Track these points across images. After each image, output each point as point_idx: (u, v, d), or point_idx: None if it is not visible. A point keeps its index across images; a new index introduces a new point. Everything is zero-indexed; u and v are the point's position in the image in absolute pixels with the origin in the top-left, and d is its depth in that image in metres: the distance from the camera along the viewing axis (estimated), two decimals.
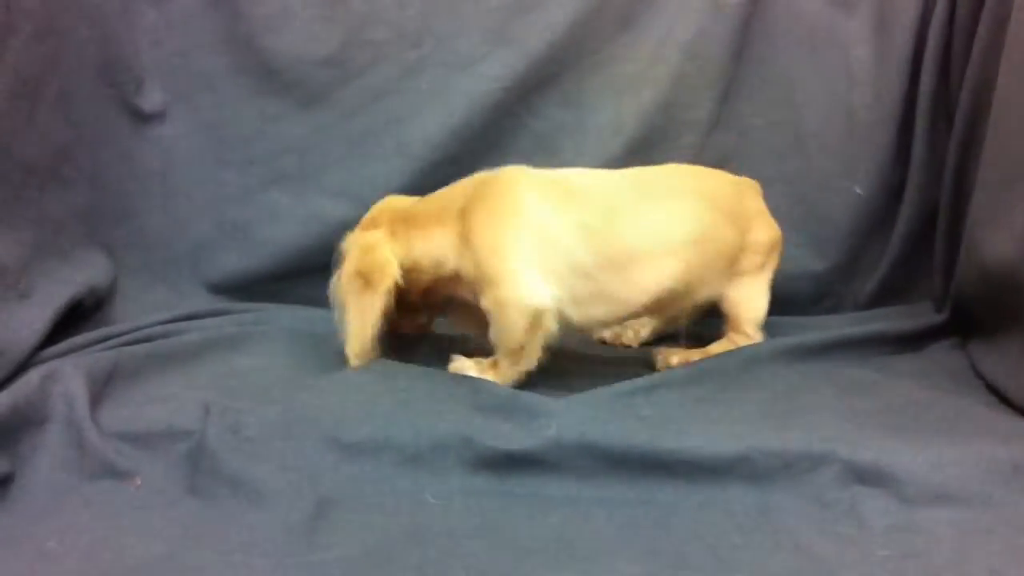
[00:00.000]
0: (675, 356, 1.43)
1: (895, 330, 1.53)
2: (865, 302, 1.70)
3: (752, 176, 1.63)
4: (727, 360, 1.37)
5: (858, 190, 1.68)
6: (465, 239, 1.29)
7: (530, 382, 1.30)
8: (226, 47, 1.61)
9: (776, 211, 1.64)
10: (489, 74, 1.64)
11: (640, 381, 1.29)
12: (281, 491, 1.00)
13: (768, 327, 1.52)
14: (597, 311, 1.33)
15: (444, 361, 1.35)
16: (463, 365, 1.34)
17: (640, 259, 1.31)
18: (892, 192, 1.69)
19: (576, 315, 1.31)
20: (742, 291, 1.43)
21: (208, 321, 1.48)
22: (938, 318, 1.56)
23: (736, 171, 1.62)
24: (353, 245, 1.33)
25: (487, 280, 1.28)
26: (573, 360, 1.46)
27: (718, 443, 1.07)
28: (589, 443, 1.07)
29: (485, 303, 1.29)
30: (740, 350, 1.40)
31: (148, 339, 1.36)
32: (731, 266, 1.40)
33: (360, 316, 1.29)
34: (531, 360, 1.30)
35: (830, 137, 1.69)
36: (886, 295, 1.70)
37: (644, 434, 1.08)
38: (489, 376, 1.31)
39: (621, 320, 1.42)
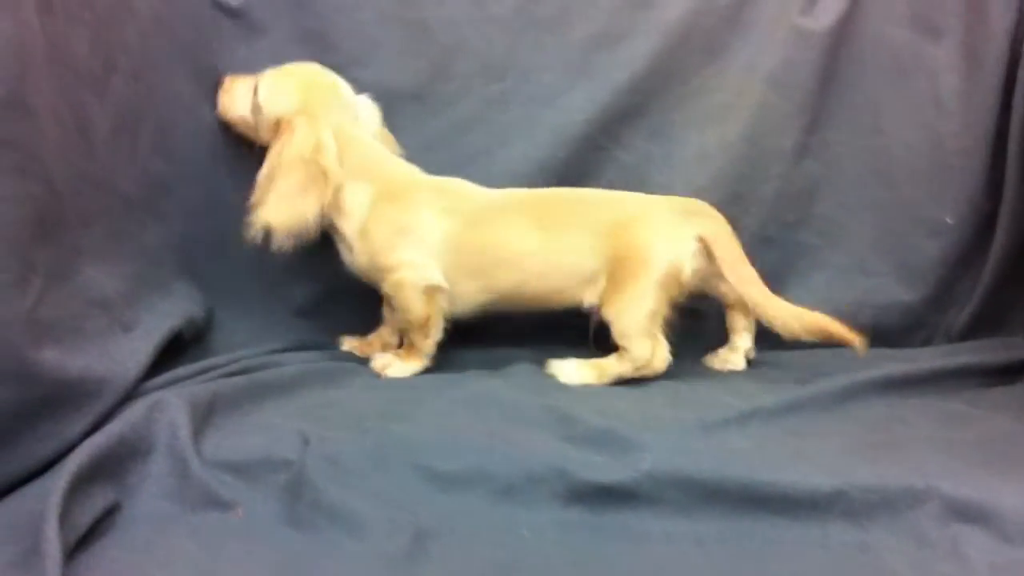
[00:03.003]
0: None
1: (988, 362, 1.51)
2: (958, 334, 1.68)
3: (839, 205, 1.64)
4: (819, 392, 1.36)
5: (949, 219, 1.66)
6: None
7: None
8: None
9: (864, 241, 1.64)
10: (574, 107, 1.66)
11: (731, 412, 1.28)
12: (379, 522, 1.00)
13: (859, 359, 1.51)
14: (451, 307, 1.50)
15: None
16: (385, 361, 1.51)
17: (476, 273, 1.48)
18: (984, 221, 1.67)
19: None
20: (612, 308, 1.45)
21: (303, 354, 1.53)
22: None
23: (825, 201, 1.64)
24: (309, 132, 1.44)
25: (385, 268, 1.47)
26: None
27: (815, 477, 1.05)
28: (684, 476, 1.06)
29: (385, 288, 1.49)
30: (833, 381, 1.39)
31: (246, 371, 1.39)
32: (588, 279, 1.47)
33: (301, 201, 1.41)
34: (438, 331, 1.50)
35: (919, 166, 1.67)
36: (979, 327, 1.68)
37: (740, 467, 1.07)
38: (413, 361, 1.51)
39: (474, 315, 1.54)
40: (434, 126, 1.67)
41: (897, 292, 1.68)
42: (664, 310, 1.46)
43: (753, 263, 1.62)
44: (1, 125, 0.99)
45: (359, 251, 1.49)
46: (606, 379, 1.46)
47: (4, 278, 1.00)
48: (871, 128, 1.68)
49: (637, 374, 1.46)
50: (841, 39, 1.65)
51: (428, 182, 1.52)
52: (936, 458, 1.14)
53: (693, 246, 1.45)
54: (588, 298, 1.48)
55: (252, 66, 1.61)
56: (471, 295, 1.50)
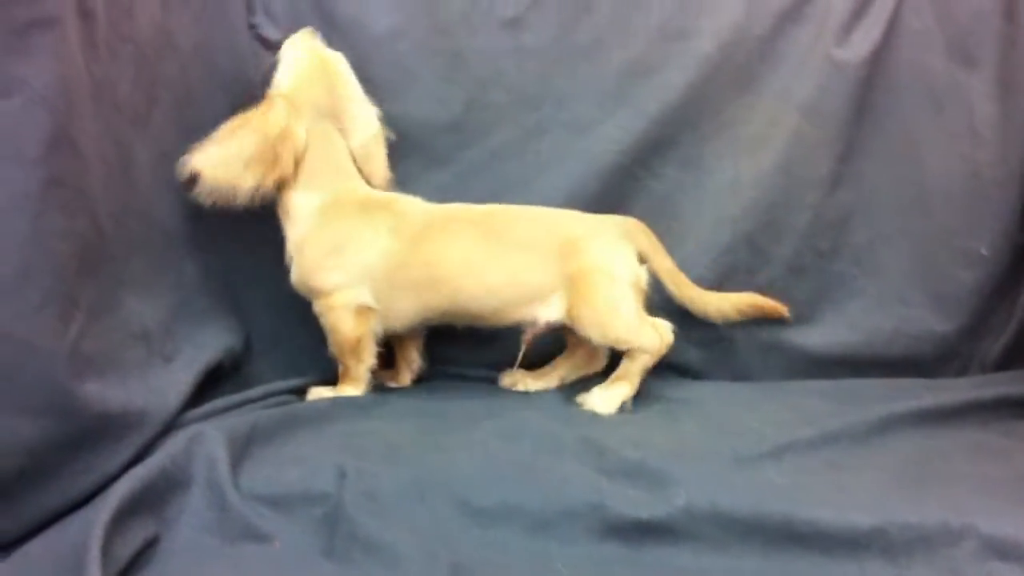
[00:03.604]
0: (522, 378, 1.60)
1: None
2: (992, 364, 1.66)
3: (874, 235, 1.64)
4: (855, 423, 1.35)
5: (983, 250, 1.65)
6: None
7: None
8: None
9: (899, 270, 1.63)
10: (608, 136, 1.66)
11: (766, 443, 1.27)
12: (416, 556, 1.00)
13: (894, 390, 1.51)
14: (384, 321, 1.50)
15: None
16: (319, 392, 1.51)
17: (407, 288, 1.48)
18: (1018, 252, 1.66)
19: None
20: (593, 325, 1.46)
21: None
22: None
23: (859, 230, 1.65)
24: (282, 117, 1.45)
25: (315, 290, 1.48)
26: None
27: (853, 514, 1.04)
28: (721, 512, 1.06)
29: (315, 308, 1.49)
30: (868, 412, 1.38)
31: (282, 403, 1.41)
32: (539, 294, 1.47)
33: (240, 171, 1.41)
34: (370, 355, 1.50)
35: (954, 196, 1.66)
36: (1013, 357, 1.66)
37: (777, 503, 1.06)
38: (347, 388, 1.50)
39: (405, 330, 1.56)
40: (470, 155, 1.69)
41: (932, 322, 1.67)
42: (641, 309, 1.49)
43: (786, 292, 1.64)
44: (49, 163, 1.01)
45: (296, 265, 1.50)
46: (634, 384, 1.48)
47: (49, 312, 1.01)
48: (906, 157, 1.67)
49: (657, 358, 1.48)
50: (876, 69, 1.65)
51: (375, 200, 1.52)
52: (973, 494, 1.13)
53: (637, 259, 1.50)
54: (542, 315, 1.48)
55: None
56: (410, 312, 1.50)
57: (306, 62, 1.53)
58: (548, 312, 1.47)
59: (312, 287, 1.49)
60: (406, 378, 1.63)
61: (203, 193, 1.40)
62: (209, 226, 1.47)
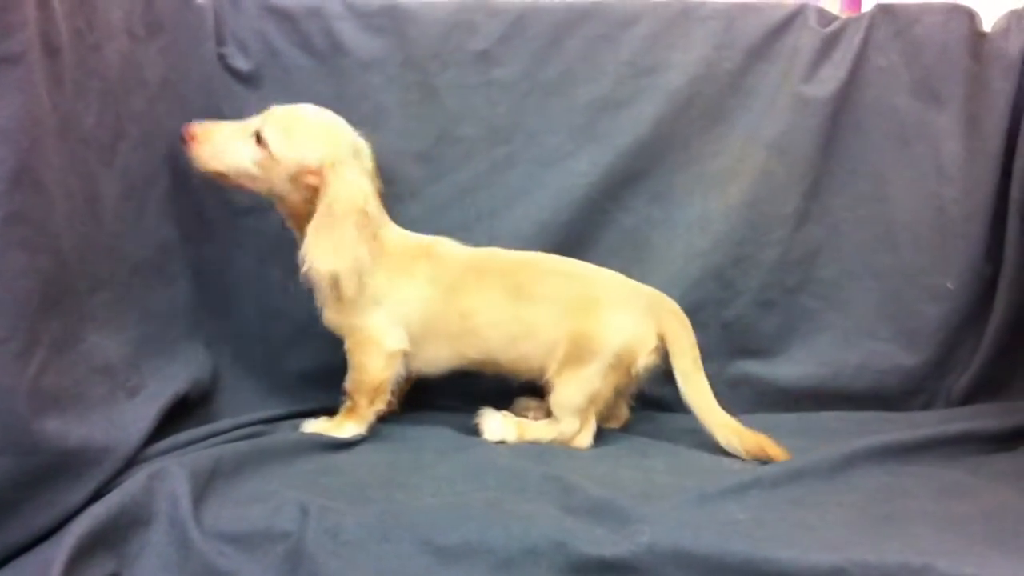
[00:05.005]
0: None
1: (990, 428, 1.50)
2: (958, 399, 1.67)
3: (842, 270, 1.65)
4: (820, 460, 1.35)
5: (949, 284, 1.67)
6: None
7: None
8: None
9: (866, 305, 1.64)
10: (577, 170, 1.68)
11: (732, 480, 1.27)
12: None
13: (860, 424, 1.51)
14: (417, 364, 1.52)
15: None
16: (315, 426, 1.48)
17: (441, 336, 1.49)
18: (984, 286, 1.68)
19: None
20: (559, 378, 1.47)
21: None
22: None
23: (826, 265, 1.66)
24: (355, 180, 1.43)
25: (354, 327, 1.47)
26: None
27: (814, 554, 1.04)
28: (684, 551, 1.06)
29: (348, 344, 1.49)
30: (833, 448, 1.38)
31: (248, 436, 1.39)
32: (551, 350, 1.47)
33: (359, 248, 1.40)
34: (384, 398, 1.49)
35: (920, 232, 1.68)
36: (980, 391, 1.67)
37: (739, 542, 1.06)
38: (348, 423, 1.47)
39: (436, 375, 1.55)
40: (440, 188, 1.70)
41: (898, 356, 1.68)
42: (607, 395, 1.48)
43: (754, 326, 1.64)
44: (11, 199, 1.01)
45: (331, 304, 1.48)
46: (525, 439, 1.47)
47: (9, 348, 1.01)
48: (873, 194, 1.70)
49: (558, 444, 1.47)
50: (843, 106, 1.68)
51: (416, 246, 1.51)
52: (935, 533, 1.13)
53: (653, 343, 1.48)
54: (551, 369, 1.48)
55: None
56: (443, 359, 1.51)
57: (309, 120, 1.46)
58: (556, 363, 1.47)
59: (351, 322, 1.47)
60: (393, 404, 1.61)
61: (348, 286, 1.41)
62: (179, 258, 1.47)
